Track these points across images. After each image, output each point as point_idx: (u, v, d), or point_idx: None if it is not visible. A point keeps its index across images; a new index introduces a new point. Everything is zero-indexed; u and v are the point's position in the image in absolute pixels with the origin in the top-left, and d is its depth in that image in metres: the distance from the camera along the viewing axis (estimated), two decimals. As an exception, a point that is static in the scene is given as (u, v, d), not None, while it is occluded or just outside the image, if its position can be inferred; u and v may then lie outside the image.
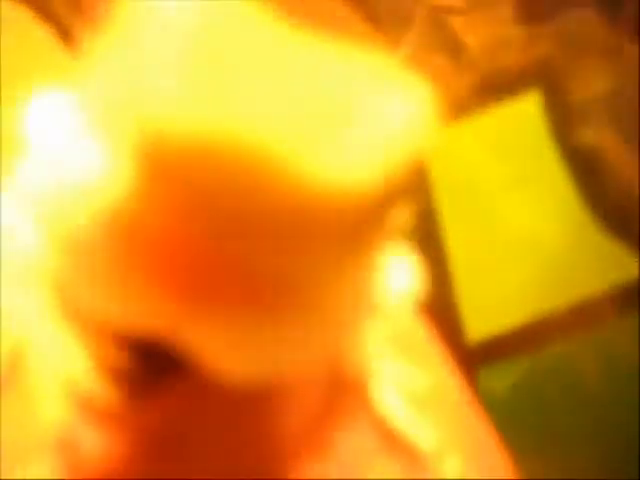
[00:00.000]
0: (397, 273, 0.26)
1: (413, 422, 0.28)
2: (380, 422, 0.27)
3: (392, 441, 0.27)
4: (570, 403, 0.42)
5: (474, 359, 0.43)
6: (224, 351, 0.19)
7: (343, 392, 0.25)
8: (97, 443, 0.21)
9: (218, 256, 0.17)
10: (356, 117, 0.18)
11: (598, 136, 0.37)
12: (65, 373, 0.22)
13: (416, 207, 0.24)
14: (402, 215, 0.22)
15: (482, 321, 0.43)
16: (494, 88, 0.43)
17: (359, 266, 0.19)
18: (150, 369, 0.22)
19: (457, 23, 0.57)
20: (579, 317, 0.40)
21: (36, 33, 0.57)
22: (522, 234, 0.41)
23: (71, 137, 0.21)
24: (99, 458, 0.21)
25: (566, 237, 0.39)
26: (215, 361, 0.19)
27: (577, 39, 0.42)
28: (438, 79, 0.54)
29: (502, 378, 0.43)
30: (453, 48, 0.56)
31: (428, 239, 0.42)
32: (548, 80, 0.38)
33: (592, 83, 0.38)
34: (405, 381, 0.29)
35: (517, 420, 0.43)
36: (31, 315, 0.22)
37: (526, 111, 0.39)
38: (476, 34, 0.54)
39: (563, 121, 0.38)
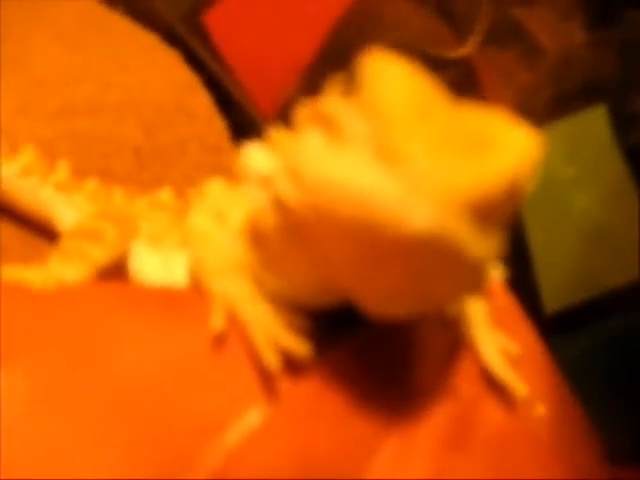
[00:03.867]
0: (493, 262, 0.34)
1: (510, 375, 0.36)
2: (485, 373, 0.35)
3: (494, 388, 0.35)
4: (630, 367, 0.49)
5: (550, 328, 0.51)
6: (387, 308, 0.27)
7: (460, 347, 0.33)
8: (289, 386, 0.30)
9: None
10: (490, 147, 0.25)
11: None
12: (269, 332, 0.30)
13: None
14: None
15: (557, 295, 0.50)
16: (566, 96, 0.51)
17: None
18: (325, 331, 0.31)
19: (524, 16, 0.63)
20: (632, 294, 0.47)
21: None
22: (590, 222, 0.49)
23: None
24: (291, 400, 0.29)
25: (627, 225, 0.47)
26: (378, 310, 0.27)
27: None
28: (507, 74, 0.61)
29: (573, 345, 0.51)
30: (524, 45, 0.63)
31: (511, 227, 0.50)
32: (613, 93, 0.46)
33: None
34: (502, 344, 0.36)
35: (585, 380, 0.50)
36: (243, 292, 0.30)
37: (593, 120, 0.46)
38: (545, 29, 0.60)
39: (625, 129, 0.45)
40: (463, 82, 0.62)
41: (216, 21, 0.64)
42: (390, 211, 0.23)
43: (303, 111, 0.28)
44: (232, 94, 0.62)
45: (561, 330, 0.51)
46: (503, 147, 0.24)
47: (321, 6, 0.58)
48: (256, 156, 0.29)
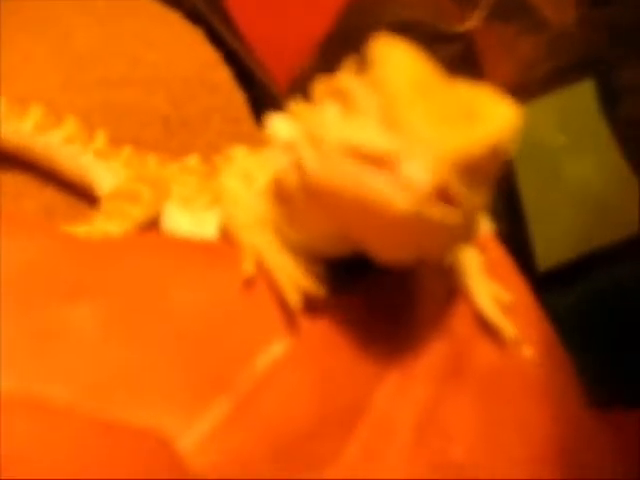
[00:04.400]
0: (485, 219, 0.38)
1: (500, 318, 0.40)
2: (479, 315, 0.40)
3: (486, 329, 0.40)
4: (617, 319, 0.54)
5: (543, 284, 0.55)
6: (392, 255, 0.32)
7: (456, 293, 0.38)
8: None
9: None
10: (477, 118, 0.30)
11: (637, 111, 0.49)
12: (290, 277, 0.35)
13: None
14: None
15: (549, 253, 0.55)
16: (563, 70, 0.55)
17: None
18: (338, 276, 0.36)
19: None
20: (622, 250, 0.52)
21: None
22: (579, 185, 0.53)
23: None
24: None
25: (612, 188, 0.51)
26: (385, 257, 0.32)
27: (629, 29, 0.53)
28: (512, 51, 0.65)
29: (563, 298, 0.55)
30: (528, 19, 0.66)
31: (508, 191, 0.54)
32: (601, 69, 0.50)
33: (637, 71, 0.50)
34: (494, 291, 0.41)
35: (574, 332, 0.55)
36: (269, 244, 0.35)
37: (582, 93, 0.51)
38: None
39: (612, 102, 0.50)
40: (467, 55, 0.65)
41: (235, 0, 0.68)
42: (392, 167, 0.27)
43: (321, 86, 0.32)
44: (250, 69, 0.65)
45: (553, 286, 0.55)
46: (488, 117, 0.28)
47: None
48: (280, 125, 0.34)
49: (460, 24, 0.67)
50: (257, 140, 0.61)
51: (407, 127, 0.27)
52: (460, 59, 0.64)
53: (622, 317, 0.53)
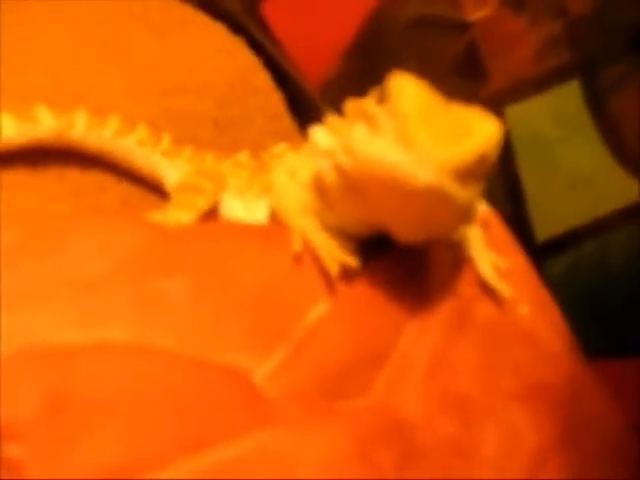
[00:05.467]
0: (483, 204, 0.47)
1: (498, 281, 0.48)
2: (480, 279, 0.48)
3: (487, 291, 0.49)
4: (603, 281, 0.62)
5: (541, 253, 0.64)
6: (409, 235, 0.41)
7: (462, 262, 0.47)
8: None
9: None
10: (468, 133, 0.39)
11: (618, 109, 0.57)
12: (330, 251, 0.44)
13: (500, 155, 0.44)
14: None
15: (545, 227, 0.63)
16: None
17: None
18: (367, 251, 0.45)
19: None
20: (606, 222, 0.60)
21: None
22: (570, 170, 0.62)
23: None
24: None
25: (597, 171, 0.60)
26: (404, 237, 0.42)
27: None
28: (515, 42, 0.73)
29: (558, 265, 0.64)
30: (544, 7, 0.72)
31: (510, 177, 0.63)
32: (587, 71, 0.59)
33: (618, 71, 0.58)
34: (493, 260, 0.50)
35: (567, 294, 0.63)
36: (312, 226, 0.44)
37: (571, 92, 0.59)
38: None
39: (596, 99, 0.58)
40: (474, 48, 0.73)
41: (272, 11, 0.76)
42: (406, 174, 0.37)
43: (351, 106, 0.42)
44: (286, 71, 0.72)
45: (549, 255, 0.64)
46: (476, 133, 0.37)
47: (357, 1, 0.71)
48: (320, 136, 0.44)
49: (473, 13, 0.74)
50: (293, 135, 0.70)
51: (415, 143, 0.36)
52: (466, 54, 0.72)
53: (608, 278, 0.62)
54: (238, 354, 0.38)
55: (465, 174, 0.37)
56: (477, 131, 0.38)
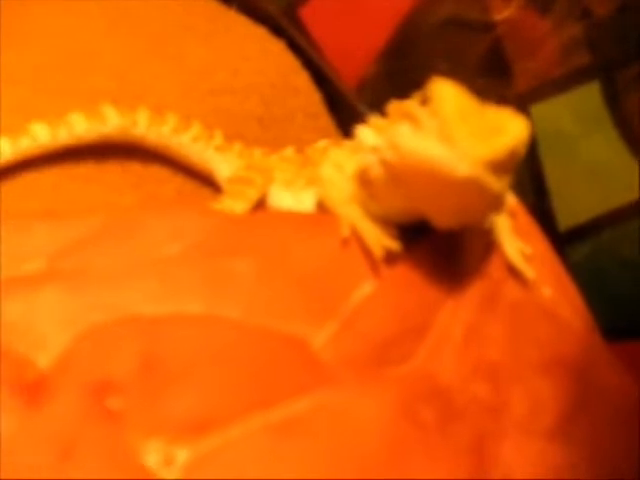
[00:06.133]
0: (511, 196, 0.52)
1: (523, 265, 0.52)
2: (508, 263, 0.53)
3: (513, 273, 0.53)
4: (620, 267, 0.67)
5: (563, 240, 0.69)
6: (447, 222, 0.46)
7: (492, 247, 0.52)
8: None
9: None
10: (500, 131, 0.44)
11: (634, 107, 0.62)
12: (375, 236, 0.49)
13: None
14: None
15: (567, 216, 0.68)
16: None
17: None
18: (407, 237, 0.50)
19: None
20: (624, 211, 0.65)
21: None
22: (591, 163, 0.66)
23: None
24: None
25: (616, 164, 0.64)
26: (442, 223, 0.47)
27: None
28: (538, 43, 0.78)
29: (580, 251, 0.69)
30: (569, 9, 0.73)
31: (535, 170, 0.68)
32: (606, 73, 0.63)
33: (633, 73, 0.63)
34: (519, 245, 0.55)
35: (587, 279, 0.67)
36: (357, 214, 0.49)
37: (591, 91, 0.64)
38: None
39: (614, 99, 0.63)
40: (500, 48, 0.77)
41: (310, 15, 0.80)
42: (447, 167, 0.42)
43: (394, 107, 0.47)
44: (324, 72, 0.76)
45: (571, 242, 0.69)
46: (508, 131, 0.42)
47: (391, 5, 0.75)
48: (366, 134, 0.49)
49: (499, 13, 0.76)
50: (332, 132, 0.75)
51: (455, 141, 0.41)
52: (491, 53, 0.75)
53: (625, 265, 0.67)
54: (297, 324, 0.43)
55: (498, 167, 0.42)
56: (508, 129, 0.43)
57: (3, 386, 0.37)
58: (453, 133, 0.41)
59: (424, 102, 0.43)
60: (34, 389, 0.37)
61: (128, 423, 0.37)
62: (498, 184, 0.43)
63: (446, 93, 0.42)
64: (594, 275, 0.67)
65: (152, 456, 0.37)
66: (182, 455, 0.38)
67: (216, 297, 0.43)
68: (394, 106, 0.47)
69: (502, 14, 0.72)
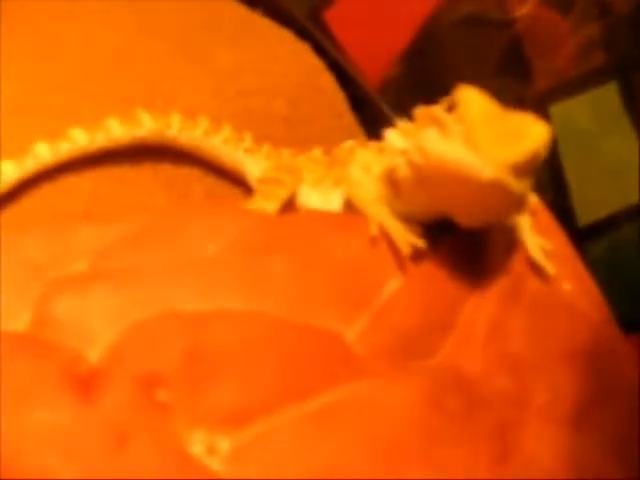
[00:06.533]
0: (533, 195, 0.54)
1: (544, 260, 0.54)
2: (529, 259, 0.55)
3: (535, 269, 0.55)
4: (638, 261, 0.69)
5: (582, 235, 0.71)
6: (471, 221, 0.49)
7: (514, 244, 0.54)
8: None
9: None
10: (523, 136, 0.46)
11: None
12: (401, 234, 0.51)
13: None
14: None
15: (586, 213, 0.70)
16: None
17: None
18: (432, 234, 0.52)
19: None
20: None
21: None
22: (608, 161, 0.68)
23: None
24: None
25: (633, 162, 0.66)
26: (466, 222, 0.49)
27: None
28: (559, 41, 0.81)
29: (599, 247, 0.71)
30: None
31: (554, 168, 0.70)
32: (625, 74, 0.65)
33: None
34: (540, 242, 0.57)
35: (606, 274, 0.68)
36: (384, 213, 0.52)
37: (609, 91, 0.66)
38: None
39: (631, 99, 0.65)
40: (519, 46, 0.79)
41: (334, 17, 0.83)
42: (472, 171, 0.44)
43: (421, 112, 0.49)
44: (348, 73, 0.78)
45: (590, 238, 0.71)
46: (530, 136, 0.45)
47: (413, 7, 0.77)
48: (393, 137, 0.51)
49: (518, 9, 0.76)
50: (356, 131, 0.77)
51: (480, 146, 0.43)
52: (510, 50, 0.77)
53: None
54: (331, 319, 0.45)
55: (520, 170, 0.44)
56: (530, 134, 0.45)
57: (57, 379, 0.39)
58: (478, 138, 0.44)
59: (450, 108, 0.46)
60: (86, 382, 0.39)
61: (174, 414, 0.40)
62: (520, 186, 0.45)
63: (471, 100, 0.45)
64: (612, 270, 0.69)
65: (197, 446, 0.40)
66: (224, 445, 0.40)
67: (254, 294, 0.45)
68: (421, 111, 0.49)
69: (521, 11, 0.74)
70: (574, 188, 0.71)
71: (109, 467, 0.37)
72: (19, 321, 0.42)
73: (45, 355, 0.40)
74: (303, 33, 0.79)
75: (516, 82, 0.73)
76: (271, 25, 0.80)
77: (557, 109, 0.70)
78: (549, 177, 0.71)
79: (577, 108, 0.69)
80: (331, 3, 0.81)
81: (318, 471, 0.40)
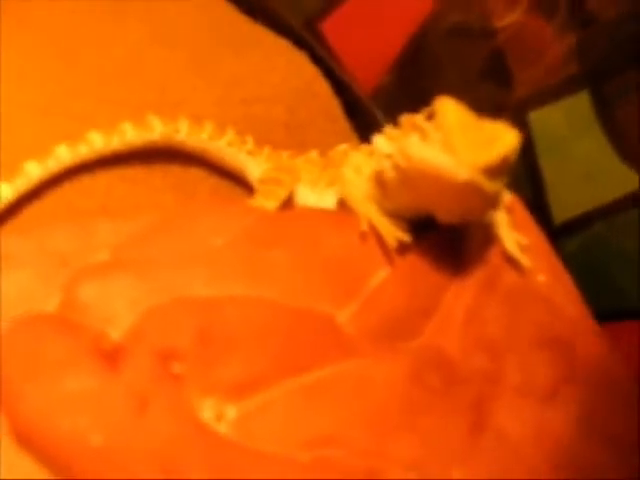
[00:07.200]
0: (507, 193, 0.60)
1: (519, 254, 0.59)
2: (505, 253, 0.60)
3: (511, 261, 0.60)
4: (610, 256, 0.74)
5: (558, 232, 0.76)
6: (450, 218, 0.54)
7: (491, 239, 0.60)
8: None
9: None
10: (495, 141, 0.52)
11: (621, 114, 0.69)
12: (388, 230, 0.57)
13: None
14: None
15: (561, 211, 0.75)
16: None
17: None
18: (416, 230, 0.58)
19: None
20: (612, 207, 0.72)
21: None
22: (581, 163, 0.73)
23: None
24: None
25: (603, 165, 0.71)
26: (446, 219, 0.54)
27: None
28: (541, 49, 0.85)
29: (573, 242, 0.76)
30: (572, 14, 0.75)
31: (532, 168, 0.75)
32: (596, 83, 0.71)
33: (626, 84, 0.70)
34: (516, 237, 0.61)
35: (580, 267, 0.69)
36: (373, 210, 0.57)
37: (582, 99, 0.72)
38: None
39: (602, 106, 0.70)
40: (502, 55, 0.78)
41: (330, 28, 0.84)
42: (449, 173, 0.49)
43: (406, 120, 0.55)
44: (343, 80, 0.83)
45: (565, 234, 0.77)
46: (500, 141, 0.50)
47: (404, 19, 0.82)
48: (381, 142, 0.57)
49: (501, 19, 0.78)
50: (350, 135, 0.83)
51: (456, 150, 0.49)
52: (493, 59, 0.82)
53: (613, 254, 0.74)
54: (325, 304, 0.51)
55: (492, 172, 0.50)
56: (501, 139, 0.50)
57: (86, 353, 0.45)
58: (454, 144, 0.49)
59: (430, 117, 0.51)
60: (111, 356, 0.45)
61: (188, 384, 0.45)
62: (493, 186, 0.51)
63: (448, 109, 0.50)
64: (586, 264, 0.73)
65: (207, 412, 0.45)
66: (231, 412, 0.46)
67: (257, 281, 0.51)
68: (405, 119, 0.55)
69: (505, 21, 0.77)
70: (550, 188, 0.75)
71: (132, 427, 0.43)
72: (49, 304, 0.48)
73: (74, 333, 0.46)
74: (300, 43, 0.84)
75: (498, 90, 0.78)
76: (271, 36, 0.85)
77: (535, 115, 0.75)
78: (527, 178, 0.76)
79: (553, 115, 0.74)
80: (326, 15, 0.85)
81: (312, 436, 0.46)
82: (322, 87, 0.82)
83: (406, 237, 0.55)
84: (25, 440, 0.42)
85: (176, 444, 0.43)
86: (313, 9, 0.85)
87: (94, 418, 0.43)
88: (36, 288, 0.48)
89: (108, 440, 0.43)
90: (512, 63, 0.78)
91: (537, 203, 0.76)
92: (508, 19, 0.76)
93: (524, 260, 0.59)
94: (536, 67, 0.77)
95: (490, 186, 0.50)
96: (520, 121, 0.76)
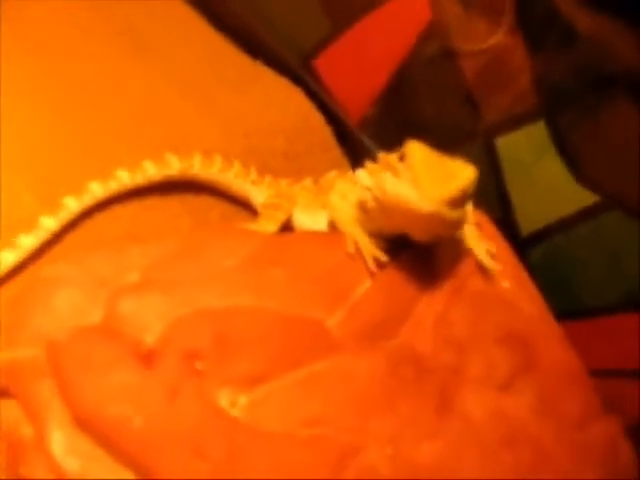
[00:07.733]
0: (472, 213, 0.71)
1: (488, 260, 0.69)
2: (475, 262, 0.71)
3: (479, 269, 0.69)
4: (569, 264, 0.84)
5: (524, 244, 0.86)
6: (422, 238, 0.66)
7: (462, 252, 0.70)
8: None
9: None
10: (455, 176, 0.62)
11: (575, 140, 0.80)
12: (369, 250, 0.67)
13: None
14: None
15: (527, 224, 0.86)
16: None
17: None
18: (391, 247, 0.69)
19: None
20: (569, 221, 0.82)
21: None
22: (544, 182, 0.84)
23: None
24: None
25: (560, 184, 0.81)
26: (419, 239, 0.66)
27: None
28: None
29: (535, 253, 0.86)
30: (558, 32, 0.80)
31: (500, 189, 0.86)
32: (551, 114, 0.81)
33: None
34: (485, 246, 0.71)
35: (543, 275, 0.80)
36: (358, 232, 0.68)
37: (539, 129, 0.82)
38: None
39: (557, 134, 0.81)
40: (484, 72, 0.85)
41: (322, 66, 0.93)
42: (416, 205, 0.58)
43: (382, 159, 0.65)
44: (334, 112, 0.92)
45: (530, 246, 0.87)
46: (459, 177, 0.59)
47: (388, 55, 0.92)
48: (363, 176, 0.68)
49: (484, 41, 0.85)
50: (342, 163, 0.93)
51: (422, 186, 0.58)
52: (478, 77, 0.86)
53: (572, 262, 0.84)
54: (316, 311, 0.62)
55: (453, 203, 0.60)
56: (460, 175, 0.60)
57: (126, 355, 0.57)
58: (420, 180, 0.60)
59: (401, 157, 0.62)
60: (147, 357, 0.57)
61: (208, 378, 0.57)
62: (454, 214, 0.61)
63: (415, 151, 0.61)
64: (548, 271, 0.83)
65: (223, 400, 0.57)
66: (242, 400, 0.58)
67: (261, 294, 0.62)
68: (382, 157, 0.65)
69: (487, 43, 0.84)
70: (516, 206, 0.84)
71: (165, 413, 0.54)
72: (94, 317, 0.59)
73: (116, 340, 0.57)
74: (297, 79, 0.93)
75: (469, 117, 0.89)
76: (270, 73, 0.94)
77: (502, 141, 0.86)
78: (496, 197, 0.86)
79: (517, 141, 0.84)
80: (319, 54, 0.93)
81: (307, 417, 0.58)
82: (317, 120, 0.91)
83: (382, 256, 0.66)
84: (83, 424, 0.54)
85: (200, 426, 0.55)
86: (308, 48, 0.93)
87: (135, 406, 0.54)
88: (83, 304, 0.60)
89: (146, 423, 0.54)
90: (483, 92, 0.88)
91: (505, 219, 0.85)
92: (491, 41, 0.84)
93: (494, 265, 0.69)
94: (503, 96, 0.86)
95: (452, 214, 0.61)
96: (489, 146, 0.86)
